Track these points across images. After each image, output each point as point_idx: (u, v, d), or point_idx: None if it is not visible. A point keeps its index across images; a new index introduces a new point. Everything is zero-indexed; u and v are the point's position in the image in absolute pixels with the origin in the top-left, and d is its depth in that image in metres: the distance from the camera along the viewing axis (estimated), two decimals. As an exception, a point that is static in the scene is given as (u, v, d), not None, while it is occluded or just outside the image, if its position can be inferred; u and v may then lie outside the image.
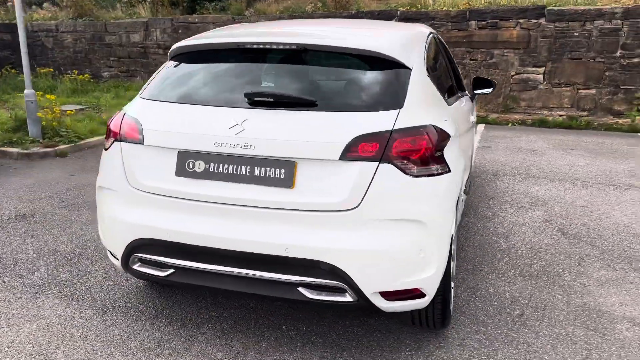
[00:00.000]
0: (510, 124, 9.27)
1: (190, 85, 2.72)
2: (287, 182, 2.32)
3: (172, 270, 2.54)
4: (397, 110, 2.39)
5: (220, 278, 2.48)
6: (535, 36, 9.17)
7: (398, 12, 10.00)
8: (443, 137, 2.47)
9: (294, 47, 2.60)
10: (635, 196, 5.13)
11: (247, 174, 2.38)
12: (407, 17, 9.90)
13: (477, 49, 9.57)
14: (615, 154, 6.99)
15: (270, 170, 2.35)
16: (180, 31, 11.60)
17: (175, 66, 2.85)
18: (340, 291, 2.33)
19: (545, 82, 9.28)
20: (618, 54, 8.78)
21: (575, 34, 8.93)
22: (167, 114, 2.60)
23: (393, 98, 2.43)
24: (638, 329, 2.89)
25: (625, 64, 8.78)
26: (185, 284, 2.60)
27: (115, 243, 2.67)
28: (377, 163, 2.26)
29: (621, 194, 5.20)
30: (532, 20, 9.15)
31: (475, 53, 9.60)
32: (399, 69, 2.55)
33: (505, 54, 9.42)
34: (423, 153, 2.31)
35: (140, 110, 2.67)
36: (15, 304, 3.11)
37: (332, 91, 2.60)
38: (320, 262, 2.27)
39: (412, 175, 2.29)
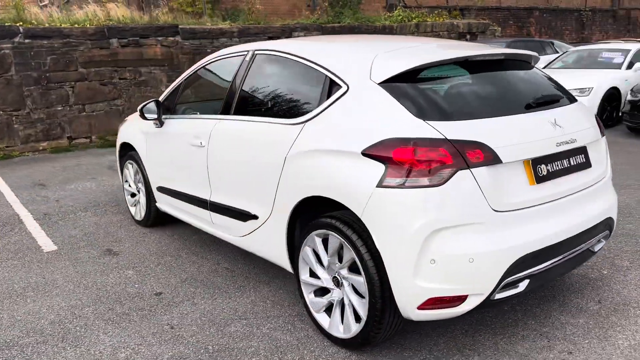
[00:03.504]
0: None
1: (465, 100, 2.65)
2: (588, 163, 2.87)
3: (527, 281, 2.58)
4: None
5: (558, 267, 2.72)
6: (176, 53, 9.69)
7: (21, 29, 8.33)
8: None
9: (502, 57, 2.98)
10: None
11: (568, 164, 2.75)
12: (35, 35, 8.44)
13: (125, 68, 9.25)
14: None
15: (578, 157, 2.81)
16: None
17: (423, 84, 2.62)
18: (602, 239, 3.06)
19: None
20: (242, 65, 10.46)
21: (208, 50, 10.00)
22: (496, 128, 2.51)
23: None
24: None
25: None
26: (529, 291, 2.65)
27: (485, 280, 2.40)
28: (604, 137, 3.13)
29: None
30: (170, 38, 9.62)
31: (124, 72, 9.25)
32: None
33: (153, 71, 9.53)
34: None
35: (463, 130, 2.43)
36: None
37: (539, 89, 3.06)
38: (609, 217, 2.97)
39: None
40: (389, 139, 2.45)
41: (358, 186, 2.51)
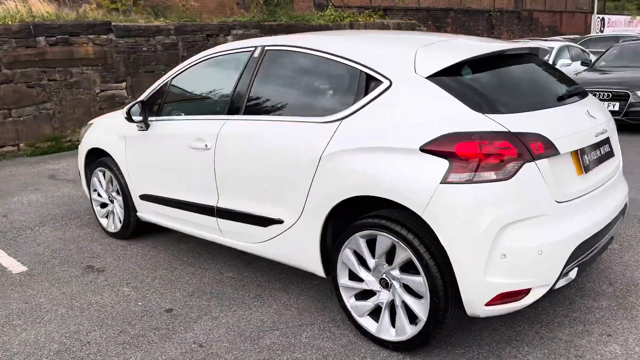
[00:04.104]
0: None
1: (511, 93, 2.67)
2: (612, 152, 3.00)
3: (576, 269, 2.64)
4: None
5: (596, 253, 2.81)
6: (110, 52, 9.08)
7: None
8: None
9: (527, 51, 3.04)
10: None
11: (601, 154, 2.85)
12: (-50, 32, 7.55)
13: (54, 68, 8.52)
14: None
15: (605, 147, 2.92)
16: None
17: (468, 77, 2.60)
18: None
19: (130, 97, 9.42)
20: (180, 65, 10.02)
21: (144, 48, 9.49)
22: (547, 120, 2.54)
23: None
24: None
25: (186, 73, 10.14)
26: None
27: (551, 271, 2.44)
28: None
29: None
30: (103, 36, 8.99)
31: (53, 72, 8.51)
32: None
33: (85, 71, 8.86)
34: None
35: (521, 122, 2.44)
36: None
37: (562, 82, 3.12)
38: (625, 203, 3.12)
39: None
40: (450, 133, 2.40)
41: (418, 183, 2.43)
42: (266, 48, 3.32)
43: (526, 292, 2.43)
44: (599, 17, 28.25)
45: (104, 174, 4.47)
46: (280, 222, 3.08)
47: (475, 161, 2.33)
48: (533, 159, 2.37)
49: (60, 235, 4.63)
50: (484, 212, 2.32)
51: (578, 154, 2.63)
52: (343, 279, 2.87)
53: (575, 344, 2.76)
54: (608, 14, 28.83)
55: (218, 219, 3.46)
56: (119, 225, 4.43)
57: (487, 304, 2.41)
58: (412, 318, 2.64)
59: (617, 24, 29.59)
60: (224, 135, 3.31)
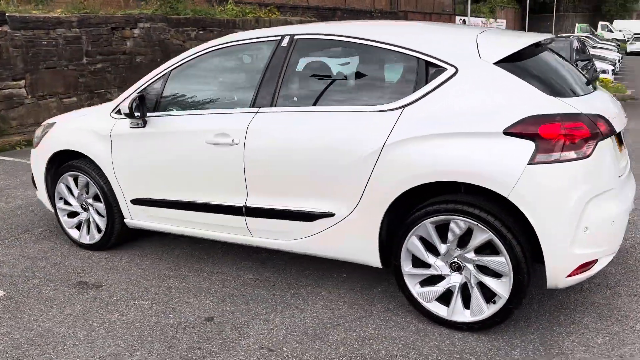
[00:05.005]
0: (18, 147, 8.02)
1: (562, 78, 2.84)
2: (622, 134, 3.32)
3: (622, 237, 2.91)
4: None
5: None
6: (5, 46, 8.05)
7: None
8: None
9: (549, 41, 3.26)
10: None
11: (622, 134, 3.14)
12: None
13: (-61, 64, 7.36)
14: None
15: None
16: None
17: (527, 63, 2.75)
18: None
19: (30, 96, 8.43)
20: (85, 60, 9.18)
21: (44, 42, 8.55)
22: (597, 103, 2.74)
23: None
24: None
25: (92, 70, 9.32)
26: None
27: (617, 239, 2.71)
28: None
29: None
30: (-3, 28, 7.95)
31: (-62, 69, 7.35)
32: None
33: (-23, 67, 7.76)
34: None
35: (585, 105, 2.61)
36: None
37: (577, 71, 3.35)
38: None
39: None
40: (533, 115, 2.51)
41: (504, 165, 2.51)
42: (295, 37, 3.19)
43: (595, 262, 2.64)
44: (461, 19, 30.88)
45: (75, 180, 3.97)
46: (330, 215, 2.99)
47: (560, 141, 2.47)
48: (603, 137, 2.58)
49: (20, 252, 4.03)
50: (572, 189, 2.48)
51: (620, 134, 2.91)
52: (407, 267, 2.87)
53: (614, 306, 3.05)
54: (468, 17, 31.58)
55: (247, 217, 3.26)
56: (97, 236, 3.97)
57: (569, 275, 2.57)
58: (488, 297, 2.72)
59: (476, 25, 32.53)
60: (255, 129, 3.12)
